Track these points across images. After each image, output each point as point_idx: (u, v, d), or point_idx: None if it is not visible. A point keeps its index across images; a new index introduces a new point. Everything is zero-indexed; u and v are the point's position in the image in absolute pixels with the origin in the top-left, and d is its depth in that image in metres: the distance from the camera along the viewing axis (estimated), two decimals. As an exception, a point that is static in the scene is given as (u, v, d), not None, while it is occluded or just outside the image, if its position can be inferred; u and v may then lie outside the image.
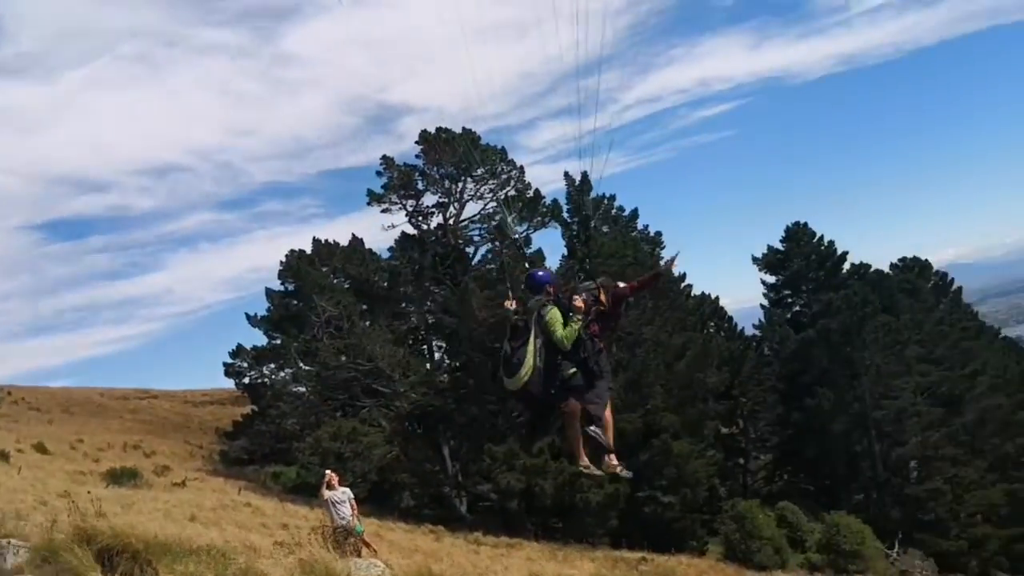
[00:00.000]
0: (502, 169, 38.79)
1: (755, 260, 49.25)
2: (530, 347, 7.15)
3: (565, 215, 41.55)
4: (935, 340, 44.66)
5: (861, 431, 41.39)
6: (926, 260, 54.38)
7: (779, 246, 48.99)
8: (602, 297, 7.63)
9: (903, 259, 53.45)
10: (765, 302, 49.63)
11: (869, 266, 49.01)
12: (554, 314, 7.22)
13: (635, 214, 42.96)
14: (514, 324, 7.46)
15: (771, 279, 49.30)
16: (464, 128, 38.42)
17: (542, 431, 7.99)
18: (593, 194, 42.24)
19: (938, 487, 39.41)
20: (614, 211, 42.40)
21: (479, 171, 38.30)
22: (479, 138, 38.09)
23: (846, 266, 48.36)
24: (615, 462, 7.54)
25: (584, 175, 41.78)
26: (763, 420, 45.74)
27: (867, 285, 44.62)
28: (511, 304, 7.56)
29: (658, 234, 43.20)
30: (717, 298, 48.20)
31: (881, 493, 41.25)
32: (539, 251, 39.12)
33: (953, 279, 55.89)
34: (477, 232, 40.60)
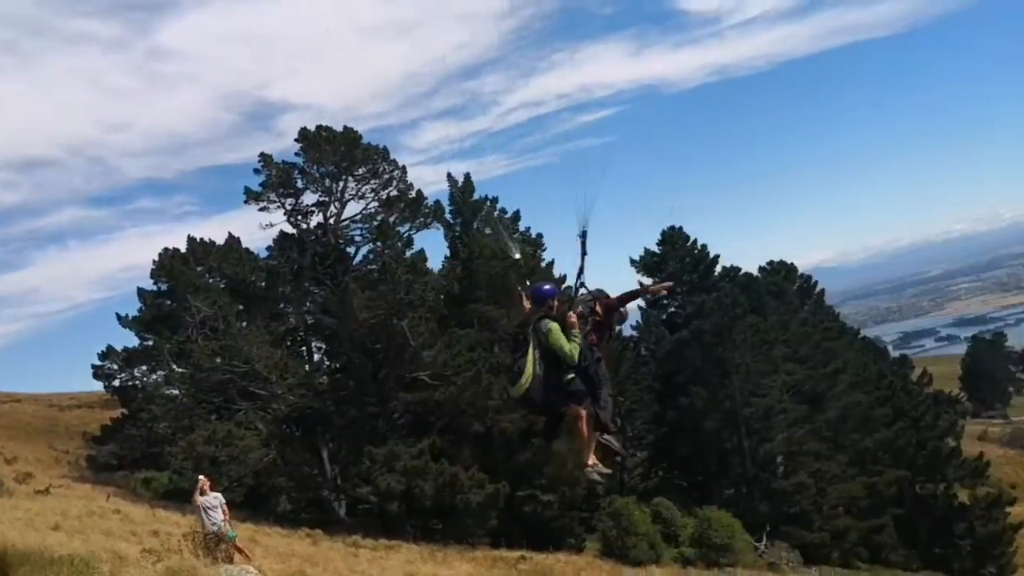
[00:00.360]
0: (384, 169, 38.46)
1: (633, 263, 50.48)
2: (529, 356, 7.48)
3: (448, 216, 41.66)
4: (800, 340, 46.69)
5: (731, 428, 42.86)
6: (792, 264, 56.94)
7: (656, 249, 50.32)
8: (597, 308, 8.16)
9: (771, 262, 55.81)
10: (642, 303, 50.82)
11: (740, 269, 51.02)
12: (555, 328, 7.50)
13: (517, 216, 43.43)
14: (515, 335, 7.90)
15: (648, 281, 50.52)
16: (345, 127, 37.97)
17: (554, 435, 8.12)
18: (475, 196, 42.64)
19: (802, 481, 41.21)
20: (496, 212, 42.73)
21: (360, 170, 37.88)
22: (360, 137, 37.72)
23: (718, 269, 50.16)
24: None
25: (467, 176, 42.35)
26: (640, 419, 46.82)
27: (737, 287, 46.30)
28: (526, 307, 7.89)
29: (539, 236, 43.74)
30: (595, 299, 49.04)
31: (750, 488, 42.81)
32: (421, 252, 39.03)
33: (817, 282, 58.64)
34: (358, 232, 40.14)
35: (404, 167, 39.14)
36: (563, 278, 44.21)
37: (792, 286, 55.17)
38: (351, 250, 40.31)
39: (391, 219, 38.35)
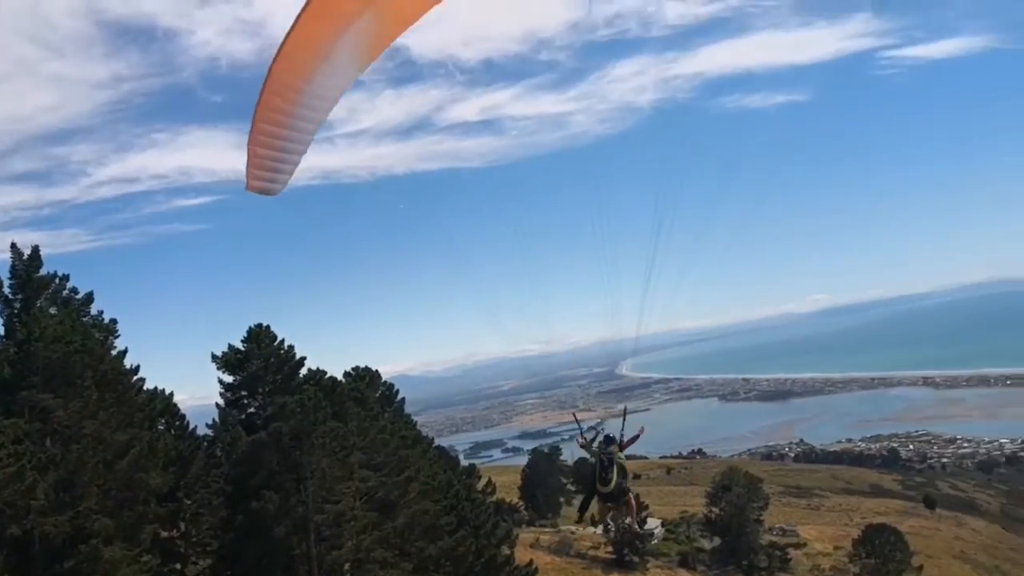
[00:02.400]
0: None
1: (215, 358, 48.43)
2: (615, 470, 16.42)
3: (7, 291, 37.31)
4: (377, 447, 47.53)
5: (302, 534, 42.05)
6: (377, 370, 58.31)
7: (240, 346, 48.88)
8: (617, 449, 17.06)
9: (356, 368, 56.68)
10: (222, 401, 48.84)
11: (325, 372, 51.05)
12: (621, 458, 16.80)
13: (90, 297, 40.04)
14: (600, 459, 16.68)
15: (229, 379, 48.74)
16: None
17: (588, 507, 17.48)
18: (44, 271, 38.69)
19: (368, 589, 41.38)
20: (66, 292, 39.11)
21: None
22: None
23: (304, 371, 49.78)
24: (636, 525, 20.82)
25: (35, 249, 38.34)
26: (206, 523, 44.38)
27: (321, 391, 46.26)
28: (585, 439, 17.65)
29: (113, 321, 40.62)
30: (171, 394, 46.35)
31: (315, 597, 42.03)
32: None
33: (399, 390, 60.53)
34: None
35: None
36: (137, 370, 41.41)
37: (375, 393, 56.36)
38: None
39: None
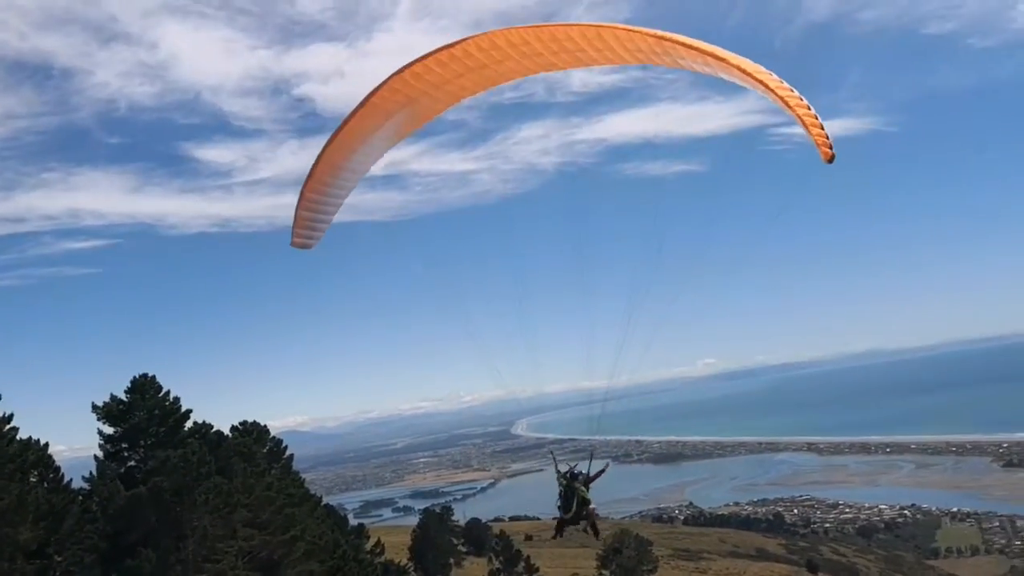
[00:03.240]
0: None
1: (95, 408, 46.60)
2: (577, 498, 20.79)
3: None
4: (262, 505, 46.19)
5: (179, 595, 40.45)
6: (265, 425, 56.99)
7: (124, 397, 47.19)
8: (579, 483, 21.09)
9: (244, 422, 55.32)
10: (101, 453, 46.91)
11: (211, 426, 49.67)
12: (583, 491, 20.86)
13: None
14: (566, 489, 20.87)
15: (110, 430, 46.93)
16: None
17: (563, 530, 22.35)
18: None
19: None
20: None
21: None
22: None
23: (189, 424, 48.30)
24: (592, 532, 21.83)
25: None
26: (76, 583, 42.23)
27: (206, 445, 44.95)
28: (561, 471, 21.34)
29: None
30: (46, 444, 44.27)
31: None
32: None
33: (287, 446, 59.25)
34: None
35: None
36: (10, 419, 39.56)
37: (262, 448, 55.04)
38: None
39: None
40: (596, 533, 22.01)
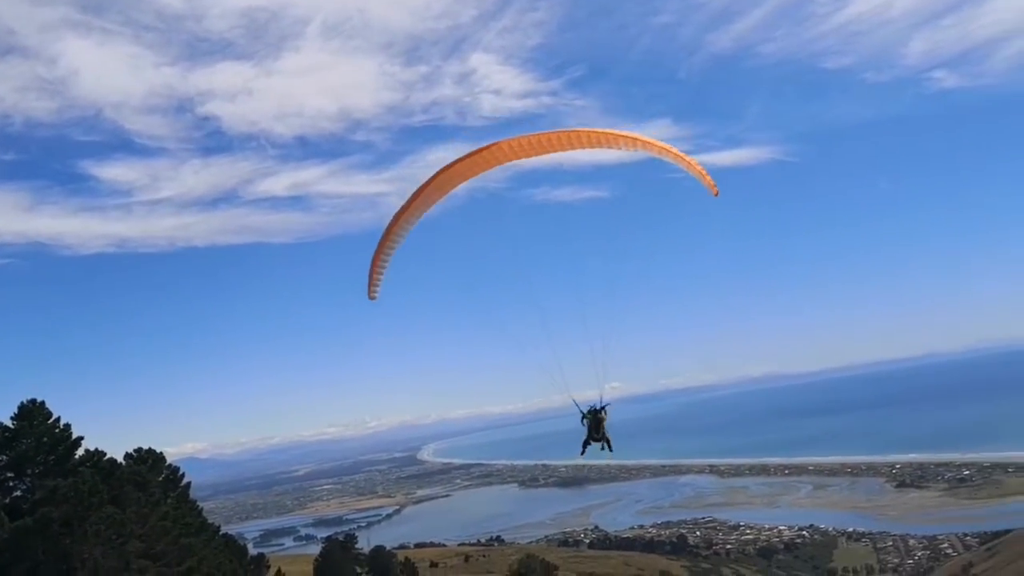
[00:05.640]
0: None
1: (-20, 435, 44.50)
2: (604, 422, 27.50)
3: None
4: (157, 535, 44.65)
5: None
6: (161, 452, 55.05)
7: (10, 423, 45.16)
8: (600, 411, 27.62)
9: (138, 450, 53.34)
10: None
11: (104, 454, 47.80)
12: (605, 416, 27.49)
13: None
14: (594, 414, 27.50)
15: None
16: None
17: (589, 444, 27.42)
18: None
19: None
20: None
21: None
22: None
23: (80, 451, 46.46)
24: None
25: None
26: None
27: (98, 474, 43.27)
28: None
29: None
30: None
31: None
32: None
33: (184, 474, 57.35)
34: None
35: None
36: None
37: (158, 476, 53.15)
38: None
39: None
40: (611, 447, 27.59)
